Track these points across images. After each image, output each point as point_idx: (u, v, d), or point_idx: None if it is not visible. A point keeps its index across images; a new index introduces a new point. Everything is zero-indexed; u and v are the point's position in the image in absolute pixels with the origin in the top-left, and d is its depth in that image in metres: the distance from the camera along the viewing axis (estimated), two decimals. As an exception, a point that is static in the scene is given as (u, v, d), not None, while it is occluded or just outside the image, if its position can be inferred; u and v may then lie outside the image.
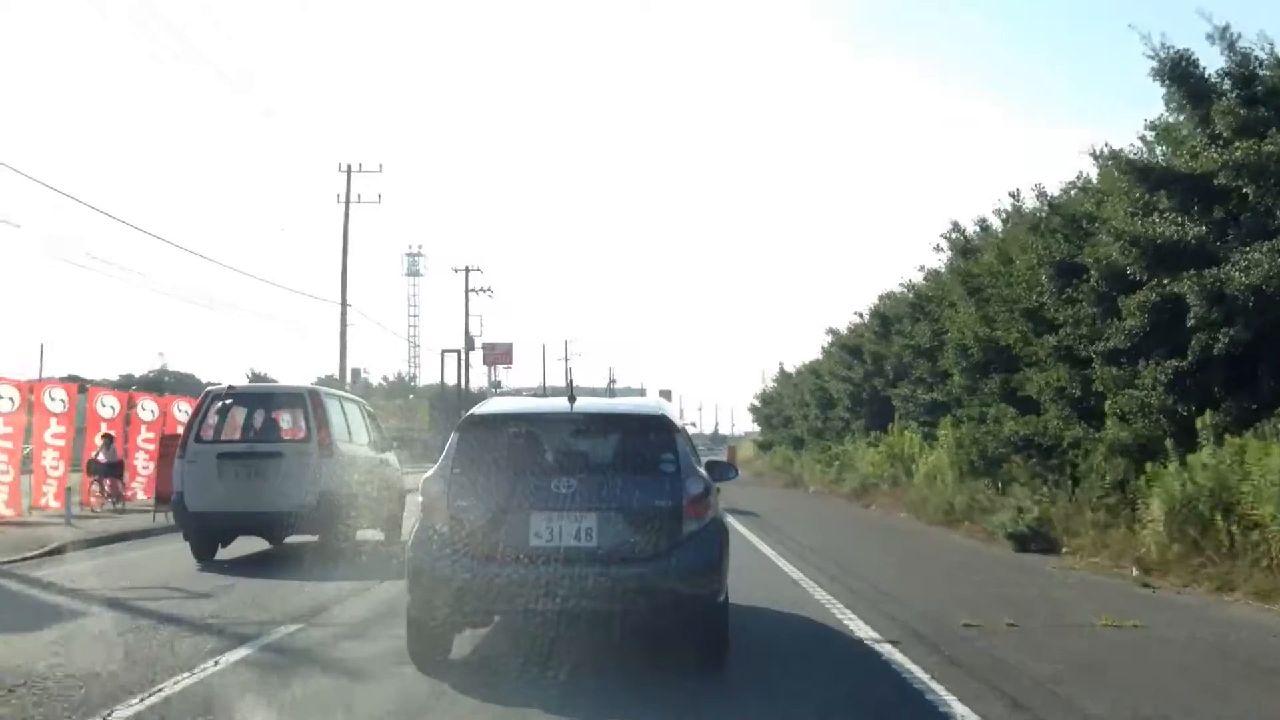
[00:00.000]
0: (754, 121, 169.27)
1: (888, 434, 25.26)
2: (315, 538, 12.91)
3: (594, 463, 7.12)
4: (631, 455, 7.01)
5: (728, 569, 6.95)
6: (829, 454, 31.53)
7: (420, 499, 6.87)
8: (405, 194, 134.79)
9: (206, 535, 12.49)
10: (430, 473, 6.90)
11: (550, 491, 6.52)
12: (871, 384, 27.25)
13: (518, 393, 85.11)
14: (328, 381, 79.24)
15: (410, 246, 78.59)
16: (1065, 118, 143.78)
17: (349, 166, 46.58)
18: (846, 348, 28.95)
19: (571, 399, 7.31)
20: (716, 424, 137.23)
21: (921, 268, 22.42)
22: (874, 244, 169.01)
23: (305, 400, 12.85)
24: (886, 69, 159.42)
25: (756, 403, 55.03)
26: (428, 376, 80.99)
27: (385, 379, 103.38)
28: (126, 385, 56.41)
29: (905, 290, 23.38)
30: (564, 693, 6.10)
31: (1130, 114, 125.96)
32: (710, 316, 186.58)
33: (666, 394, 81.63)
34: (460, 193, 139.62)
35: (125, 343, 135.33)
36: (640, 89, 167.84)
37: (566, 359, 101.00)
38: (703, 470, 7.06)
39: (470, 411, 7.46)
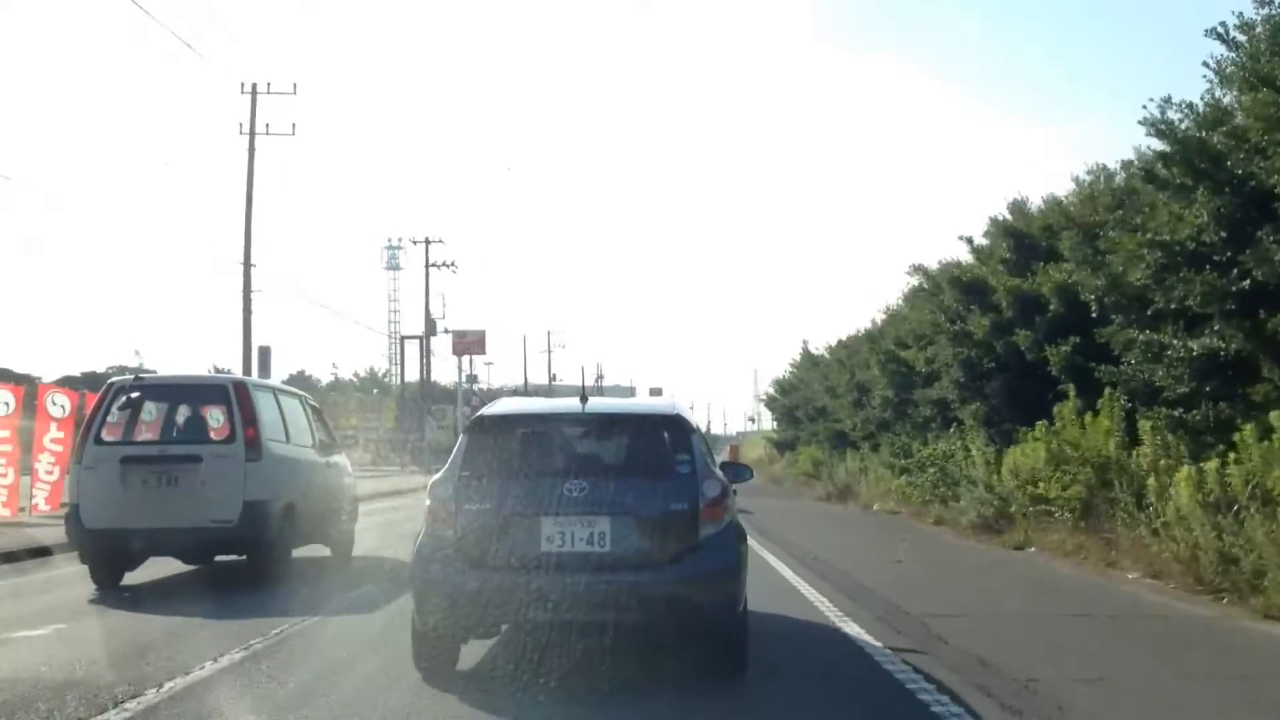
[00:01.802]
0: (749, 118, 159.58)
1: (1055, 423, 14.17)
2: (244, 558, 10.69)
3: (607, 465, 6.82)
4: (646, 457, 6.72)
5: (746, 575, 6.56)
6: (916, 459, 20.36)
7: (427, 503, 6.39)
8: (380, 175, 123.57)
9: (107, 557, 10.27)
10: (438, 475, 6.56)
11: (562, 495, 6.13)
12: (1009, 342, 16.18)
13: (499, 390, 77.66)
14: (298, 380, 68.52)
15: (390, 239, 69.17)
16: (1063, 115, 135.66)
17: (254, 86, 35.55)
18: (962, 285, 17.74)
19: (583, 399, 6.95)
20: (709, 422, 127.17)
21: (1163, 104, 11.06)
22: (869, 245, 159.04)
23: (228, 393, 10.57)
24: (885, 67, 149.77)
25: (772, 391, 43.97)
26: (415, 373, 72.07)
27: (357, 375, 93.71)
28: (78, 382, 46.09)
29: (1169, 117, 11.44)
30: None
31: (1128, 110, 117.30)
32: (700, 313, 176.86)
33: (657, 391, 75.68)
34: (435, 174, 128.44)
35: (100, 338, 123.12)
36: (631, 80, 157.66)
37: (549, 351, 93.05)
38: (719, 472, 6.68)
39: (479, 412, 7.08)
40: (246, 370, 35.36)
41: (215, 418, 11.26)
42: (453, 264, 62.02)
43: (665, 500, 6.21)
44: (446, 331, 63.30)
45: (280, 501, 10.60)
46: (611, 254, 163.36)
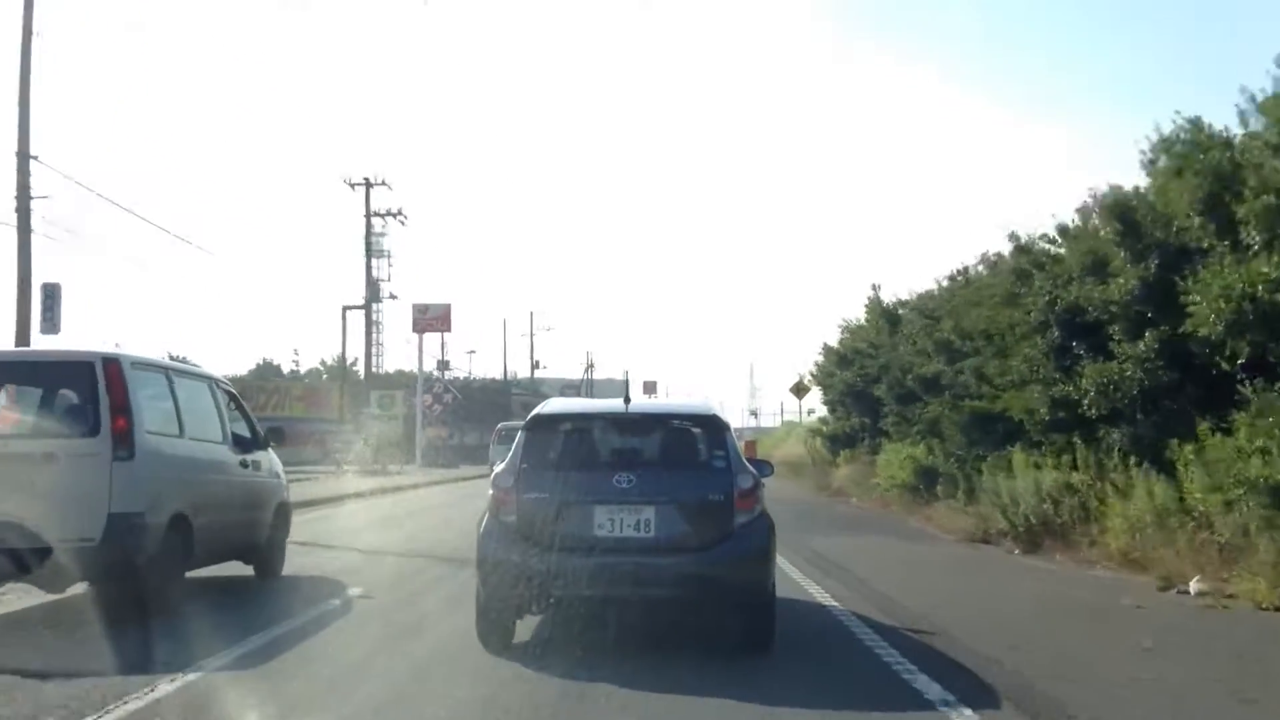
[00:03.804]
0: (747, 111, 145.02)
1: None
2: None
3: (651, 459, 7.31)
4: (685, 451, 7.31)
5: (775, 558, 7.14)
6: None
7: (490, 491, 6.95)
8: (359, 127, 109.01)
9: None
10: (500, 468, 7.09)
11: (611, 485, 6.70)
12: None
13: (476, 379, 72.03)
14: (263, 369, 55.18)
15: (375, 226, 57.02)
16: (1060, 114, 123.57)
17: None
18: None
19: (626, 400, 7.38)
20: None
21: None
22: (865, 244, 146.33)
23: (95, 373, 8.20)
24: (884, 63, 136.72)
25: (822, 360, 30.34)
26: (392, 362, 61.37)
27: (324, 362, 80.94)
28: None
29: None
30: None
31: (1125, 112, 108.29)
32: (694, 306, 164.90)
33: (651, 385, 69.44)
34: (418, 144, 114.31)
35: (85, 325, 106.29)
36: (628, 69, 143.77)
37: (531, 335, 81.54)
38: (750, 466, 7.12)
39: (535, 411, 7.50)
40: (23, 314, 22.11)
41: (79, 405, 8.42)
42: (400, 213, 48.98)
43: (704, 491, 6.80)
44: (392, 297, 50.00)
45: (165, 512, 8.37)
46: (604, 245, 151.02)
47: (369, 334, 48.39)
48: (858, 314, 28.19)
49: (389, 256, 48.96)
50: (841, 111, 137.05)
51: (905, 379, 20.66)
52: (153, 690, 5.83)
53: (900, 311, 24.60)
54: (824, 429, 30.28)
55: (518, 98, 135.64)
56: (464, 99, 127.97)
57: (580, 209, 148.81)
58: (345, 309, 49.05)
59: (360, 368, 71.16)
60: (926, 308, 21.71)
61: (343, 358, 51.94)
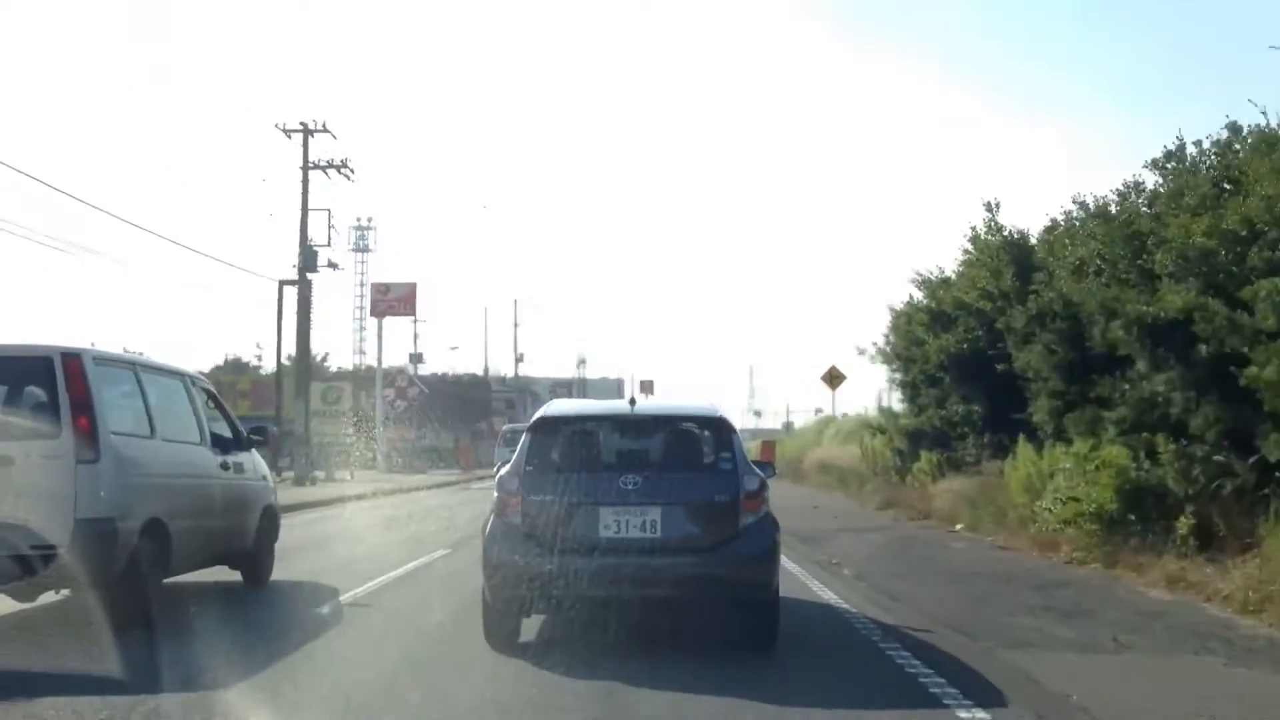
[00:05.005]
0: (744, 114, 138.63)
1: None
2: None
3: (657, 460, 7.30)
4: (692, 453, 7.33)
5: (780, 557, 7.25)
6: None
7: (495, 494, 6.96)
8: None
9: None
10: (505, 470, 7.05)
11: (617, 487, 6.71)
12: None
13: (452, 374, 69.06)
14: (232, 365, 46.43)
15: (359, 219, 53.74)
16: (1054, 114, 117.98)
17: None
18: None
19: (632, 402, 7.73)
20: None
21: None
22: (861, 246, 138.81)
23: (54, 369, 7.72)
24: (887, 62, 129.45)
25: (898, 323, 21.15)
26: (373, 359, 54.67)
27: (290, 357, 72.08)
28: None
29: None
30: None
31: (1122, 111, 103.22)
32: (691, 305, 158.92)
33: (648, 385, 68.48)
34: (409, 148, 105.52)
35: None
36: (626, 62, 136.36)
37: (515, 325, 74.19)
38: (756, 468, 7.15)
39: (539, 414, 7.49)
40: None
41: (38, 404, 7.94)
42: (345, 165, 39.70)
43: (710, 492, 6.84)
44: (331, 265, 40.96)
45: (138, 517, 7.87)
46: (597, 238, 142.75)
47: (303, 311, 39.28)
48: (940, 262, 19.43)
49: (329, 215, 39.77)
50: (841, 111, 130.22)
51: (1106, 330, 11.59)
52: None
53: (1030, 245, 15.77)
54: (901, 421, 20.94)
55: (509, 84, 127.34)
56: (451, 80, 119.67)
57: (573, 201, 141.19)
58: (282, 284, 39.81)
59: (329, 360, 63.37)
60: (1117, 215, 12.78)
61: (278, 340, 42.37)
